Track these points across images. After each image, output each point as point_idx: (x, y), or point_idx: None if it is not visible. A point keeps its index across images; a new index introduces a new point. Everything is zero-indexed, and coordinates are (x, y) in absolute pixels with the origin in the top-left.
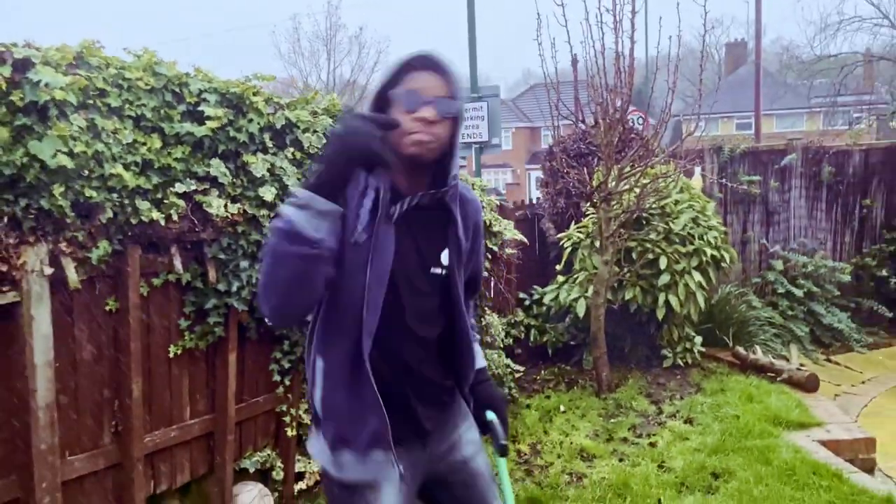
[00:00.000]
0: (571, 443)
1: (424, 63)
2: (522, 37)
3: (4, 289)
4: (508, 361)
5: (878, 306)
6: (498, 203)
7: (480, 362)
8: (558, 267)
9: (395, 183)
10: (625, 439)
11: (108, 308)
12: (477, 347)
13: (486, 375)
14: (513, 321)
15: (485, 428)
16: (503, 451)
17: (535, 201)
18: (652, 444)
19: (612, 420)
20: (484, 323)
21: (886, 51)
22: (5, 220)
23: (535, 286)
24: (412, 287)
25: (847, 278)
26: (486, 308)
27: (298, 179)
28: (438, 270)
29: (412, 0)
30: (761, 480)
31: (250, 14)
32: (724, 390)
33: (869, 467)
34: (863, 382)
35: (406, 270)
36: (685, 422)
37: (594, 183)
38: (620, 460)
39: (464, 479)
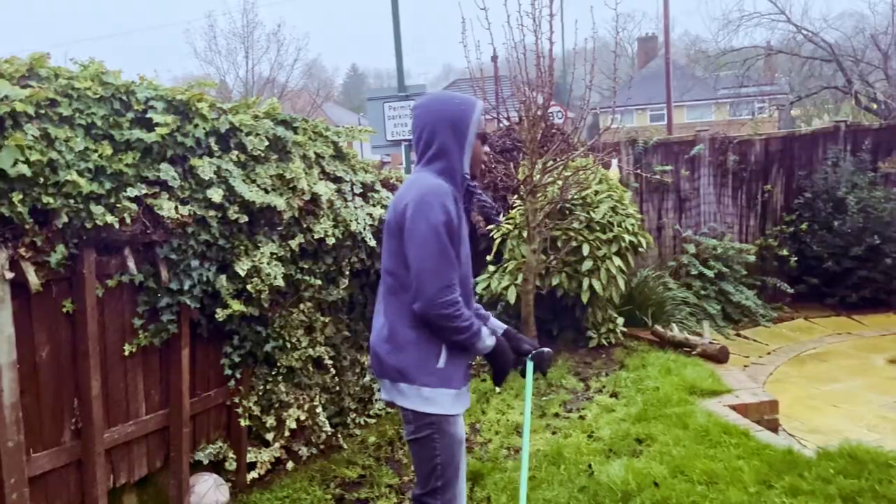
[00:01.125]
0: (508, 420)
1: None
2: (441, 31)
3: None
4: None
5: (781, 283)
6: None
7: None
8: (489, 257)
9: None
10: (556, 415)
11: (65, 310)
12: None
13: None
14: None
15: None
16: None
17: None
18: (581, 418)
19: (545, 398)
20: None
21: (784, 45)
22: None
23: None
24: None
25: (752, 259)
26: None
27: (243, 181)
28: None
29: None
30: (679, 442)
31: (160, 13)
32: (644, 366)
33: (773, 427)
34: (769, 353)
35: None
36: (611, 396)
37: (520, 176)
38: (553, 433)
39: None
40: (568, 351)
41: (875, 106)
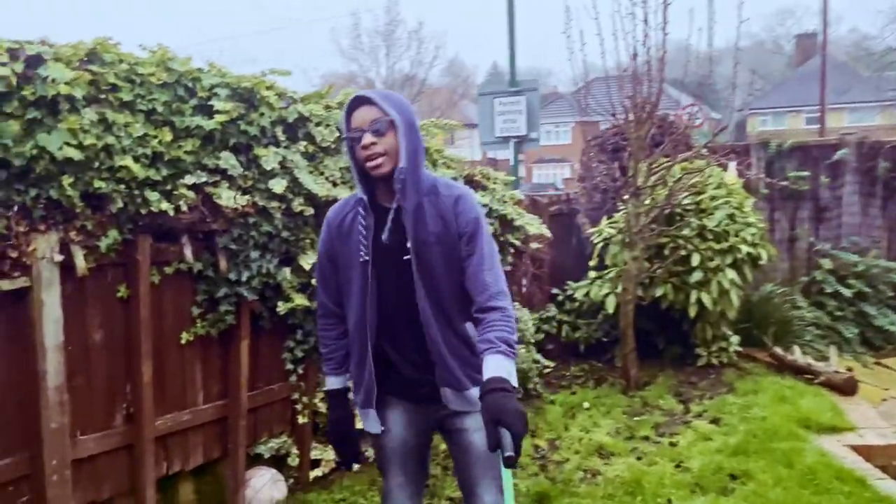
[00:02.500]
0: (591, 439)
1: (355, 104)
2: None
3: (15, 274)
4: (538, 357)
5: None
6: (523, 197)
7: (492, 371)
8: (592, 262)
9: (376, 200)
10: (646, 438)
11: (119, 295)
12: (491, 357)
13: (498, 384)
14: (545, 316)
15: (490, 440)
16: (508, 463)
17: (572, 195)
18: (672, 444)
19: (636, 418)
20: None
21: None
22: (16, 208)
23: (569, 282)
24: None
25: None
26: (516, 303)
27: (310, 173)
28: (406, 256)
29: None
30: (780, 483)
31: (307, 11)
32: (756, 391)
33: None
34: None
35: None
36: (711, 422)
37: (627, 178)
38: (638, 458)
39: (457, 444)
40: (673, 368)
41: None
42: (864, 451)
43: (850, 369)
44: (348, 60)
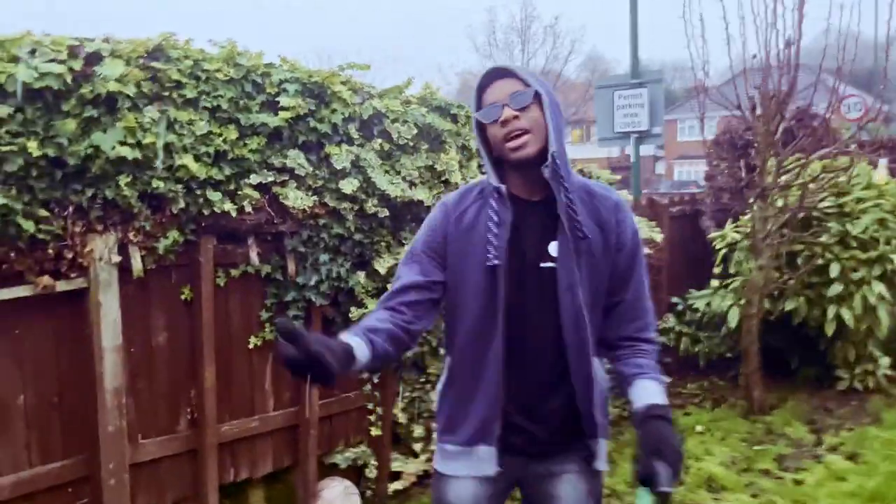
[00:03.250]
0: (700, 469)
1: (489, 77)
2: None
3: (73, 275)
4: None
5: None
6: (630, 197)
7: (653, 396)
8: (716, 269)
9: (512, 192)
10: (766, 471)
11: (183, 297)
12: (648, 382)
13: (661, 412)
14: (662, 328)
15: (642, 472)
16: (662, 500)
17: (697, 196)
18: (797, 482)
19: (757, 447)
20: None
21: None
22: (71, 209)
23: (691, 290)
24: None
25: None
26: None
27: (385, 172)
28: (548, 263)
29: None
30: None
31: (444, 9)
32: None
33: None
34: None
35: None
36: (847, 458)
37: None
38: (754, 496)
39: (550, 495)
40: (807, 391)
41: None
42: None
43: None
44: (483, 57)
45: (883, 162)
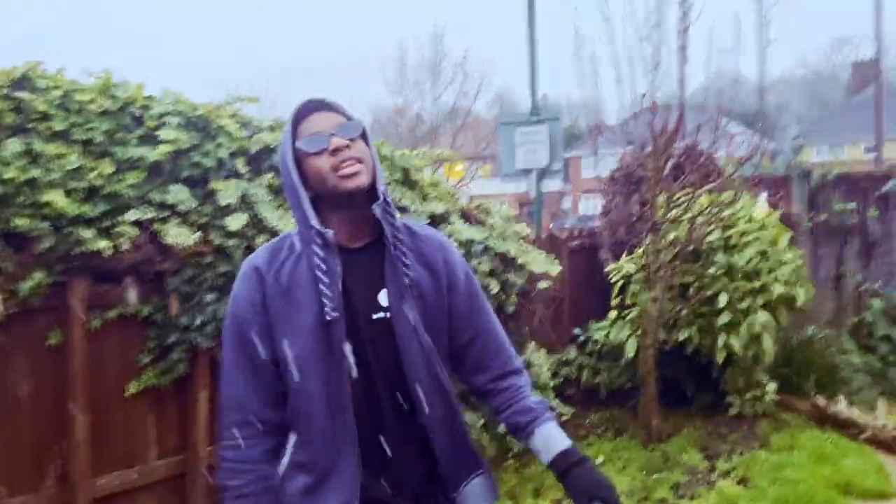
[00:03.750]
0: None
1: (308, 108)
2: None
3: None
4: (555, 403)
5: None
6: (529, 231)
7: (562, 442)
8: (612, 302)
9: (339, 240)
10: (663, 500)
11: (50, 342)
12: (549, 426)
13: (579, 456)
14: (564, 359)
15: None
16: None
17: (595, 230)
18: None
19: (655, 476)
20: (524, 359)
21: None
22: None
23: (592, 321)
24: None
25: None
26: (531, 343)
27: (276, 208)
28: (380, 314)
29: (515, 25)
30: None
31: (354, 47)
32: (793, 447)
33: None
34: None
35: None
36: (738, 482)
37: (650, 210)
38: None
39: None
40: (702, 418)
41: None
42: None
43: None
44: (393, 93)
45: (763, 196)
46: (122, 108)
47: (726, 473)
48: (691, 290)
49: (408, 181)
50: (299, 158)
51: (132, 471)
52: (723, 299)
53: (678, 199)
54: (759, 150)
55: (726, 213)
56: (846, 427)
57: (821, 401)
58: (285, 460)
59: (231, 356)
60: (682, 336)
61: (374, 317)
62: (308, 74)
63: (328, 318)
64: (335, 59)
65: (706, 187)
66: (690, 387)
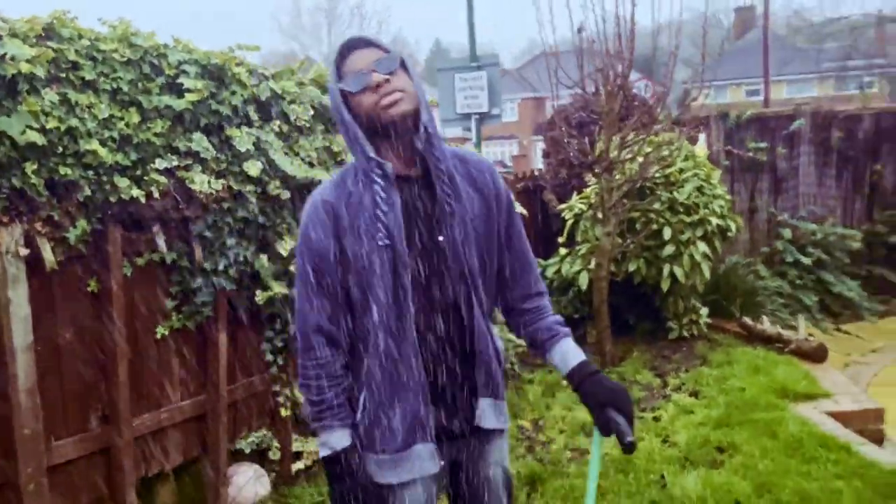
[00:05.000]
0: (574, 418)
1: (348, 47)
2: (525, 4)
3: None
4: (511, 336)
5: (889, 274)
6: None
7: (578, 356)
8: (561, 239)
9: (396, 170)
10: None
11: (90, 289)
12: (566, 343)
13: (593, 368)
14: None
15: (605, 426)
16: (630, 449)
17: (537, 172)
18: (656, 419)
19: None
20: None
21: None
22: None
23: (539, 259)
24: (425, 264)
25: (857, 246)
26: None
27: (285, 154)
28: (441, 238)
29: None
30: (767, 454)
31: None
32: (730, 362)
33: (877, 439)
34: (873, 351)
35: (419, 248)
36: (690, 395)
37: (596, 152)
38: None
39: (471, 483)
40: (645, 343)
41: None
42: (841, 417)
43: (811, 336)
44: (289, 38)
45: (703, 136)
46: (143, 56)
47: (678, 388)
48: (638, 225)
49: None
50: (347, 98)
51: (162, 411)
52: (667, 232)
53: (629, 140)
54: (666, 94)
55: (665, 152)
56: (771, 342)
57: (748, 321)
58: (358, 385)
59: (307, 282)
60: (631, 267)
61: (429, 242)
62: (196, 20)
63: (380, 243)
64: (223, 2)
65: (657, 128)
66: (632, 316)
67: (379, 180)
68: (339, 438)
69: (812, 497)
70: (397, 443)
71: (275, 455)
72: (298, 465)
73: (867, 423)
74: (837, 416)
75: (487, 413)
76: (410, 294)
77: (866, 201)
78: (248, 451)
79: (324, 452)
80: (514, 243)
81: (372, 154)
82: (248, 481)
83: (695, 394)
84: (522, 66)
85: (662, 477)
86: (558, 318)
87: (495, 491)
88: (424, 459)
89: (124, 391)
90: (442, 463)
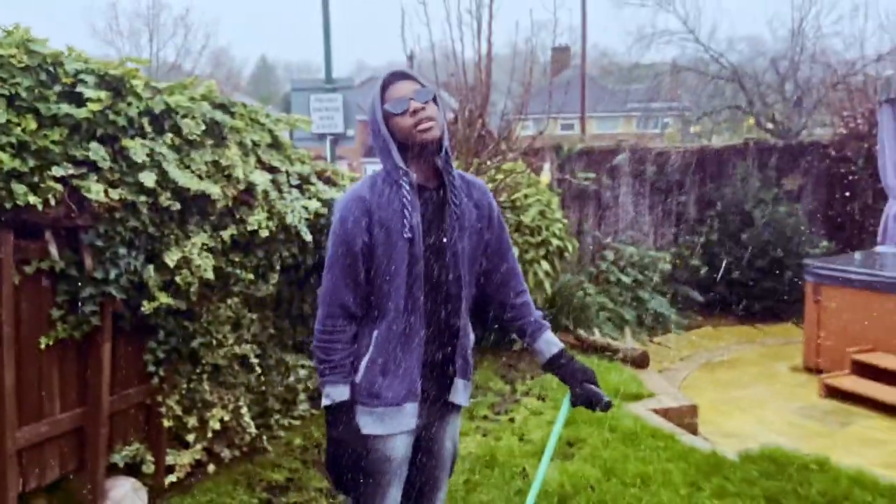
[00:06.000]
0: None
1: (393, 78)
2: (355, 28)
3: None
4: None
5: (692, 292)
6: None
7: (559, 344)
8: None
9: (418, 180)
10: (486, 417)
11: None
12: (549, 333)
13: (570, 355)
14: None
15: (583, 397)
16: (608, 407)
17: None
18: (511, 420)
19: (473, 400)
20: None
21: (692, 63)
22: None
23: None
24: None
25: (668, 267)
26: None
27: (177, 167)
28: (445, 239)
29: None
30: (609, 445)
31: None
32: None
33: (693, 430)
34: (681, 359)
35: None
36: (538, 399)
37: None
38: (484, 436)
39: (429, 449)
40: (493, 353)
41: (772, 126)
42: (664, 413)
43: (636, 345)
44: (104, 43)
45: (547, 165)
46: (40, 64)
47: (526, 393)
48: None
49: (276, 144)
50: (386, 117)
51: (42, 423)
52: (514, 251)
53: (485, 166)
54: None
55: (515, 178)
56: (602, 351)
57: (582, 333)
58: (369, 351)
59: (337, 262)
60: None
61: (437, 242)
62: None
63: (405, 236)
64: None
65: (509, 156)
66: (479, 328)
67: (406, 185)
68: (341, 392)
69: (649, 477)
70: (396, 398)
71: (148, 469)
72: (171, 478)
73: (684, 418)
74: (661, 412)
75: (460, 391)
76: (421, 281)
77: (674, 227)
78: (121, 464)
79: (325, 402)
80: (504, 251)
81: (401, 164)
82: (125, 495)
83: (542, 398)
84: (359, 85)
85: (524, 470)
86: (541, 313)
87: (446, 457)
88: (411, 416)
89: (11, 400)
90: (419, 422)
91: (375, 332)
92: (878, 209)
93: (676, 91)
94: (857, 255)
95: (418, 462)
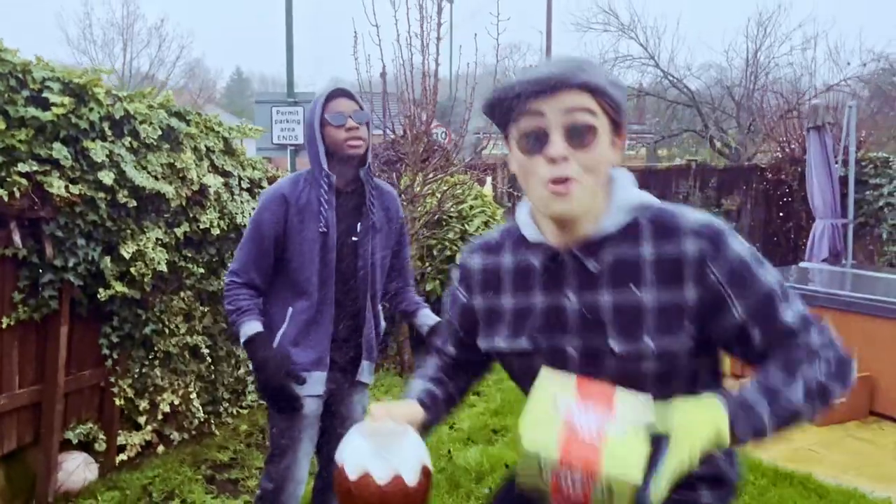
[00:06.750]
0: None
1: (335, 94)
2: (328, 44)
3: None
4: None
5: None
6: None
7: (434, 319)
8: None
9: (337, 184)
10: None
11: None
12: (425, 311)
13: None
14: None
15: None
16: None
17: None
18: None
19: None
20: None
21: (652, 88)
22: None
23: None
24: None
25: None
26: None
27: (134, 167)
28: (355, 238)
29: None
30: None
31: None
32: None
33: None
34: None
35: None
36: (475, 394)
37: (402, 186)
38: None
39: (340, 415)
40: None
41: (727, 150)
42: None
43: None
44: (78, 52)
45: (489, 179)
46: (10, 71)
47: None
48: (435, 251)
49: (229, 150)
50: (323, 124)
51: (2, 397)
52: (458, 258)
53: (431, 178)
54: (461, 142)
55: (459, 191)
56: None
57: None
58: (284, 326)
59: (251, 239)
60: (428, 287)
61: (350, 240)
62: None
63: (320, 230)
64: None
65: (452, 170)
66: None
67: (325, 186)
68: (252, 327)
69: None
70: (305, 365)
71: (100, 447)
72: (122, 457)
73: None
74: None
75: (366, 371)
76: (332, 269)
77: None
78: (75, 441)
79: (243, 339)
80: (402, 251)
81: (325, 167)
82: (78, 467)
83: (478, 393)
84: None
85: (449, 452)
86: (420, 298)
87: (356, 419)
88: (318, 383)
89: None
90: (325, 390)
91: (290, 309)
92: (810, 228)
93: (639, 115)
94: (792, 270)
95: (329, 425)
